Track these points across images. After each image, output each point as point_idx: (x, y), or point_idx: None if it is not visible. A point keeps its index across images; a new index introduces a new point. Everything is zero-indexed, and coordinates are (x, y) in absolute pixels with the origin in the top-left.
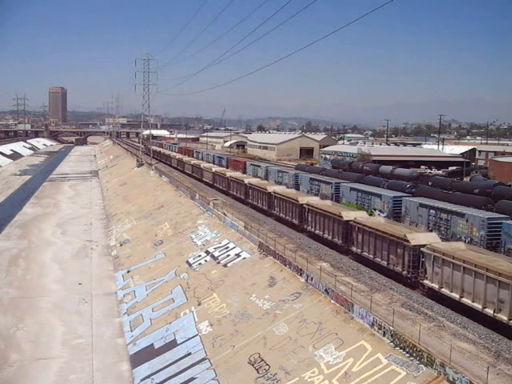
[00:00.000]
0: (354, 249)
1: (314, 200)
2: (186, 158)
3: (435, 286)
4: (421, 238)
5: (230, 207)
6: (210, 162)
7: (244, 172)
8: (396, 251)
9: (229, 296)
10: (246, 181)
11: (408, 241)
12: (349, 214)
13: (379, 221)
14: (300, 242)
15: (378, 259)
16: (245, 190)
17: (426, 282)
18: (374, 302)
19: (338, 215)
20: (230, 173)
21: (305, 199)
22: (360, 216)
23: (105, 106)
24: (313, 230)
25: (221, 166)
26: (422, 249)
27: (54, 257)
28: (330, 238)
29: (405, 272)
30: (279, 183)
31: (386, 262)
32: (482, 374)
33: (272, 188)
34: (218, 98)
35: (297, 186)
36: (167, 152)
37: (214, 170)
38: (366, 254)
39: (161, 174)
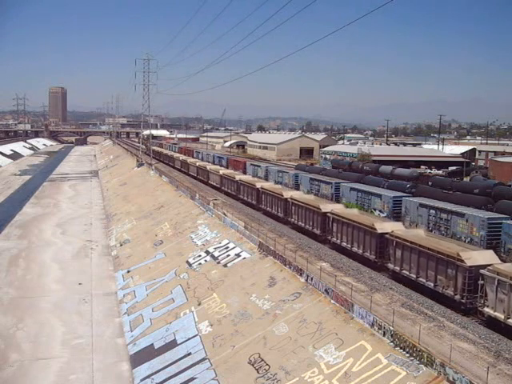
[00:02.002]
0: (390, 266)
1: (339, 208)
2: (190, 160)
3: (500, 315)
4: (477, 257)
5: (230, 207)
6: (209, 162)
7: (244, 172)
8: (446, 272)
9: (229, 296)
10: (258, 185)
11: (462, 261)
12: (383, 226)
13: (420, 234)
14: (300, 242)
15: (421, 279)
16: (257, 194)
17: (486, 309)
18: (374, 302)
19: (370, 227)
20: (239, 176)
21: (328, 207)
22: (397, 228)
23: (105, 106)
24: (338, 241)
25: (221, 166)
26: (481, 271)
27: (54, 257)
28: (360, 252)
29: (457, 296)
30: (279, 183)
31: (432, 284)
32: (482, 374)
33: (289, 194)
34: (217, 98)
35: (297, 186)
36: (170, 153)
37: (221, 172)
38: (406, 272)
39: (161, 174)
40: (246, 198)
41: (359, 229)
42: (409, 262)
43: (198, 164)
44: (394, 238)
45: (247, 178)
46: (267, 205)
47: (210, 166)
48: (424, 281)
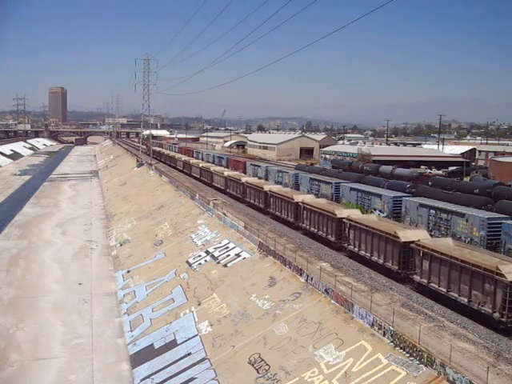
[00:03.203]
0: (416, 278)
1: (356, 214)
2: (193, 161)
3: None
4: None
5: (230, 207)
6: (209, 162)
7: (244, 172)
8: (482, 287)
9: (229, 296)
10: (266, 188)
11: (502, 275)
12: (407, 234)
13: (449, 244)
14: (300, 242)
15: (453, 294)
16: (265, 198)
17: None
18: (374, 302)
19: (392, 235)
20: (245, 178)
21: (344, 212)
22: (423, 237)
23: (105, 106)
24: (356, 249)
25: (221, 166)
26: None
27: (54, 257)
28: (381, 261)
29: (496, 314)
30: (279, 183)
31: (466, 299)
32: (482, 374)
33: (300, 197)
34: (217, 98)
35: (297, 186)
36: (171, 153)
37: (226, 174)
38: (434, 285)
39: (161, 173)
40: (252, 202)
41: (379, 237)
42: (438, 275)
43: (201, 165)
44: (421, 248)
45: (254, 180)
46: (276, 209)
47: (213, 168)
48: (456, 295)
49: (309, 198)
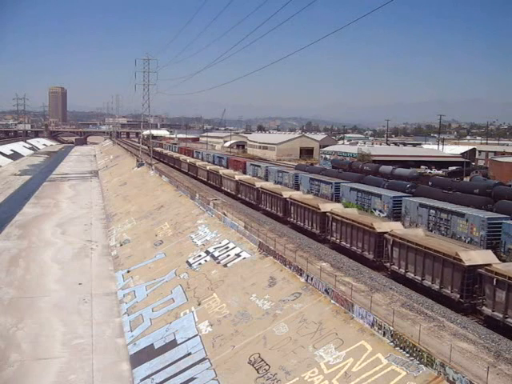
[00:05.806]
0: (486, 310)
1: (400, 229)
2: (199, 163)
3: None
4: None
5: (230, 207)
6: (210, 162)
7: (244, 172)
8: None
9: (229, 296)
10: (286, 195)
11: None
12: (471, 257)
13: None
14: (300, 242)
15: None
16: (283, 205)
17: None
18: (374, 302)
19: (453, 257)
20: (260, 183)
21: (384, 226)
22: (493, 261)
23: (105, 106)
24: (402, 271)
25: (221, 166)
26: None
27: (54, 257)
28: (436, 287)
29: None
30: (279, 183)
31: None
32: (482, 374)
33: (327, 207)
34: (217, 97)
35: (297, 186)
36: (176, 155)
37: (237, 178)
38: (509, 319)
39: (161, 173)
40: (269, 209)
41: (434, 257)
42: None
43: (208, 168)
44: (494, 275)
45: (270, 185)
46: (298, 218)
47: (223, 171)
48: None
49: (338, 208)
